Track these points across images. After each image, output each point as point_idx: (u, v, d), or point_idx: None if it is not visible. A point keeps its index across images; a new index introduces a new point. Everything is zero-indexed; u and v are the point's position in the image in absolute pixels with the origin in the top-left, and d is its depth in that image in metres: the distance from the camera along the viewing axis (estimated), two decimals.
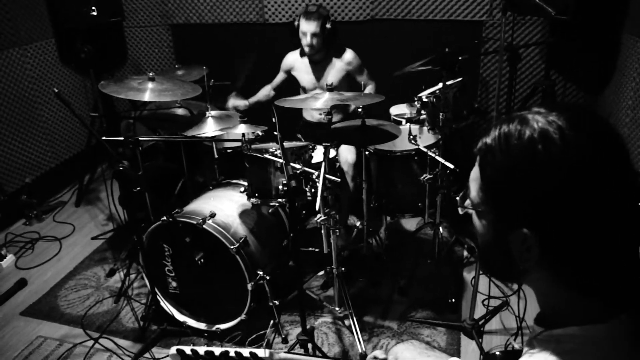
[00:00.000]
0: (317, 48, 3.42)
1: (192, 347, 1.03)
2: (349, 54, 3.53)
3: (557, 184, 0.79)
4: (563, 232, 0.81)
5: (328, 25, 3.38)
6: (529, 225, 0.82)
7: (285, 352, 1.07)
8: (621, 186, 0.81)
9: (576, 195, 0.79)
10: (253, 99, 3.74)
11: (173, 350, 1.04)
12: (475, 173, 0.91)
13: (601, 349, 0.82)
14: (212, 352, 1.02)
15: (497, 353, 0.90)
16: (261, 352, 1.02)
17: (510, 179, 0.83)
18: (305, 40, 3.40)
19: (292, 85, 3.77)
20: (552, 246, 0.82)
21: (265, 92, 3.79)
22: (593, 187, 0.79)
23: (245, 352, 1.02)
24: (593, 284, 0.84)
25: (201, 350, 1.03)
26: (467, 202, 0.95)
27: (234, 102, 3.63)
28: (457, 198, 0.99)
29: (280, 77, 3.78)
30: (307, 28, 3.35)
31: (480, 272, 2.75)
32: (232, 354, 1.02)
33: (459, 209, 0.98)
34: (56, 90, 2.37)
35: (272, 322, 2.76)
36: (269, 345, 2.76)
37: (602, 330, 0.83)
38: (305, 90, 3.68)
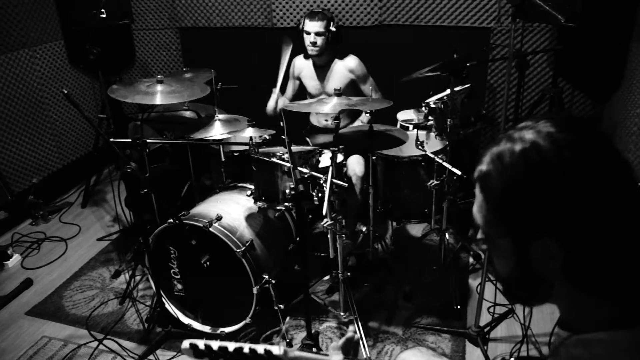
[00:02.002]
0: (321, 48, 3.41)
1: (205, 341, 1.02)
2: (352, 61, 3.53)
3: (559, 185, 0.81)
4: (578, 230, 0.83)
5: (332, 28, 3.39)
6: (546, 232, 0.84)
7: (299, 350, 1.06)
8: (622, 178, 0.84)
9: (579, 191, 0.81)
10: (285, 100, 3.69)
11: (186, 343, 1.03)
12: (478, 203, 0.93)
13: (628, 355, 0.83)
14: (225, 348, 1.01)
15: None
16: (276, 349, 1.01)
17: (515, 194, 0.85)
18: (309, 39, 3.39)
19: (300, 91, 3.78)
20: (572, 246, 0.83)
21: (283, 102, 3.78)
22: (594, 180, 0.82)
23: (260, 348, 1.01)
24: (616, 287, 0.85)
25: (215, 345, 1.02)
26: (481, 235, 0.96)
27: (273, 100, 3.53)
28: (470, 235, 1.00)
29: (292, 85, 3.79)
30: (311, 27, 3.36)
31: (487, 279, 2.74)
32: (246, 350, 1.01)
33: (478, 245, 0.98)
34: (65, 92, 2.38)
35: (287, 318, 2.74)
36: (285, 337, 2.75)
37: (629, 335, 0.83)
38: (311, 96, 3.68)
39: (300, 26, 3.44)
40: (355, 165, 3.30)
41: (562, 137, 0.83)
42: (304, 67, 3.67)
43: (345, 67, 3.53)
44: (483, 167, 0.90)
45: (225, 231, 2.65)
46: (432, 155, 2.95)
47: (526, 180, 0.83)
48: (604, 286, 0.85)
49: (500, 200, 0.88)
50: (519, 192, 0.84)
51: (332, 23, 3.40)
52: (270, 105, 3.51)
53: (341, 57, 3.55)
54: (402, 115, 3.59)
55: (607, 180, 0.83)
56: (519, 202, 0.85)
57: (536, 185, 0.82)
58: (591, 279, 0.86)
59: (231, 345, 1.02)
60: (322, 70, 3.59)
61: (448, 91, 3.01)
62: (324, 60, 3.55)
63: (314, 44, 3.39)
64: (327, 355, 1.27)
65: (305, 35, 3.41)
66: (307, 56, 3.63)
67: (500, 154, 0.87)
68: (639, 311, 0.84)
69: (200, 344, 1.02)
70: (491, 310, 2.88)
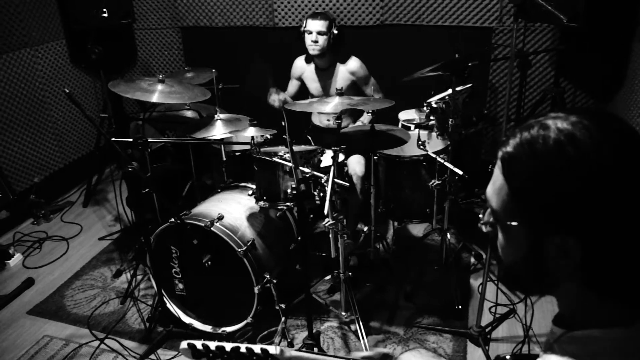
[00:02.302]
0: (322, 48, 3.40)
1: (203, 341, 1.03)
2: (353, 63, 3.52)
3: (592, 183, 0.78)
4: (604, 233, 0.79)
5: (335, 30, 3.38)
6: (567, 229, 0.80)
7: (296, 350, 1.06)
8: None
9: (614, 193, 0.78)
10: (287, 97, 3.70)
11: (184, 344, 1.03)
12: (497, 185, 0.88)
13: (624, 353, 0.82)
14: (223, 347, 1.01)
15: (508, 357, 0.89)
16: (272, 349, 1.01)
17: (543, 184, 0.81)
18: (311, 38, 3.38)
19: (301, 92, 3.78)
20: (592, 249, 0.80)
21: (286, 96, 3.79)
22: (630, 182, 0.78)
23: (257, 348, 1.01)
24: (624, 288, 0.84)
25: (212, 345, 1.02)
26: (490, 217, 0.92)
27: (277, 96, 3.54)
28: (480, 215, 0.95)
29: (293, 85, 3.79)
30: (313, 26, 3.35)
31: (488, 279, 2.74)
32: (243, 349, 1.01)
33: (483, 227, 0.94)
34: (67, 91, 2.38)
35: (283, 318, 2.75)
36: (286, 336, 2.74)
37: (625, 333, 0.82)
38: (313, 97, 3.68)
39: (302, 28, 3.43)
40: (356, 165, 3.30)
41: (600, 132, 0.79)
42: (305, 69, 3.67)
43: (346, 70, 3.53)
44: (509, 148, 0.85)
45: (227, 231, 2.65)
46: (434, 155, 2.94)
47: (558, 171, 0.79)
48: (614, 286, 0.84)
49: (524, 187, 0.83)
50: (547, 182, 0.80)
51: (334, 25, 3.39)
52: (273, 98, 3.50)
53: (343, 61, 3.55)
54: (404, 115, 3.59)
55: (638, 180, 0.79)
56: (544, 193, 0.80)
57: (568, 177, 0.78)
58: (604, 280, 0.84)
59: (228, 345, 1.02)
60: (324, 74, 3.59)
61: (450, 91, 3.00)
62: (326, 63, 3.54)
63: (315, 42, 3.37)
64: (324, 355, 1.27)
65: (306, 35, 3.41)
66: (308, 59, 3.63)
67: (532, 140, 0.82)
68: (636, 310, 0.83)
69: (198, 344, 1.03)
70: (492, 310, 2.88)
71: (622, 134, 0.81)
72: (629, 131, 0.83)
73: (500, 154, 0.87)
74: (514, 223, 0.87)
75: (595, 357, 0.82)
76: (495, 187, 0.89)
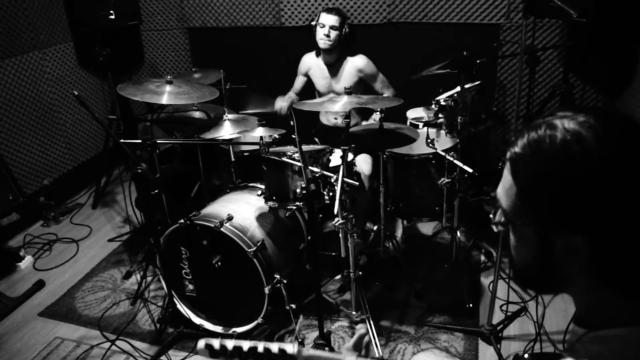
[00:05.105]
0: (333, 42, 3.39)
1: (220, 341, 1.02)
2: (360, 60, 3.51)
3: (599, 181, 0.78)
4: (611, 230, 0.80)
5: (346, 27, 3.38)
6: (576, 227, 0.81)
7: (313, 349, 1.06)
8: None
9: (620, 190, 0.78)
10: (293, 96, 3.78)
11: (201, 343, 1.03)
12: (506, 185, 0.89)
13: None
14: (240, 347, 1.01)
15: (526, 356, 0.88)
16: (290, 348, 1.01)
17: (550, 183, 0.82)
18: (323, 32, 3.38)
19: (308, 89, 3.77)
20: (600, 246, 0.81)
21: (292, 97, 3.81)
22: (635, 180, 0.79)
23: (274, 347, 1.01)
24: (637, 283, 0.83)
25: (229, 344, 1.02)
26: (501, 217, 0.93)
27: (283, 103, 3.60)
28: (490, 216, 0.97)
29: (300, 81, 3.79)
30: (327, 20, 3.35)
31: (499, 277, 2.72)
32: (260, 349, 1.01)
33: (494, 227, 0.95)
34: (76, 93, 2.38)
35: (301, 317, 2.73)
36: (297, 337, 2.73)
37: None
38: (319, 94, 3.68)
39: (315, 21, 3.42)
40: (363, 164, 3.29)
41: (606, 131, 0.80)
42: (313, 64, 3.66)
43: (353, 66, 3.52)
44: (517, 149, 0.86)
45: (236, 231, 2.65)
46: (443, 153, 2.93)
47: (564, 170, 0.80)
48: (627, 282, 0.84)
49: (532, 187, 0.84)
50: (554, 181, 0.81)
51: (346, 22, 3.39)
52: (279, 106, 3.51)
53: (351, 56, 3.54)
54: (412, 113, 3.57)
55: None
56: (551, 192, 0.81)
57: (574, 176, 0.79)
58: (615, 276, 0.84)
59: (245, 345, 1.02)
60: (332, 69, 3.58)
61: (458, 88, 2.99)
62: (334, 58, 3.53)
63: (327, 36, 3.37)
64: (340, 353, 1.27)
65: (319, 29, 3.39)
66: (317, 54, 3.62)
67: (540, 140, 0.83)
68: None
69: (216, 343, 1.02)
70: (504, 308, 2.87)
71: (627, 132, 0.82)
72: (634, 129, 0.83)
73: (508, 154, 0.89)
74: (523, 222, 0.88)
75: (621, 356, 0.81)
76: (504, 187, 0.90)
